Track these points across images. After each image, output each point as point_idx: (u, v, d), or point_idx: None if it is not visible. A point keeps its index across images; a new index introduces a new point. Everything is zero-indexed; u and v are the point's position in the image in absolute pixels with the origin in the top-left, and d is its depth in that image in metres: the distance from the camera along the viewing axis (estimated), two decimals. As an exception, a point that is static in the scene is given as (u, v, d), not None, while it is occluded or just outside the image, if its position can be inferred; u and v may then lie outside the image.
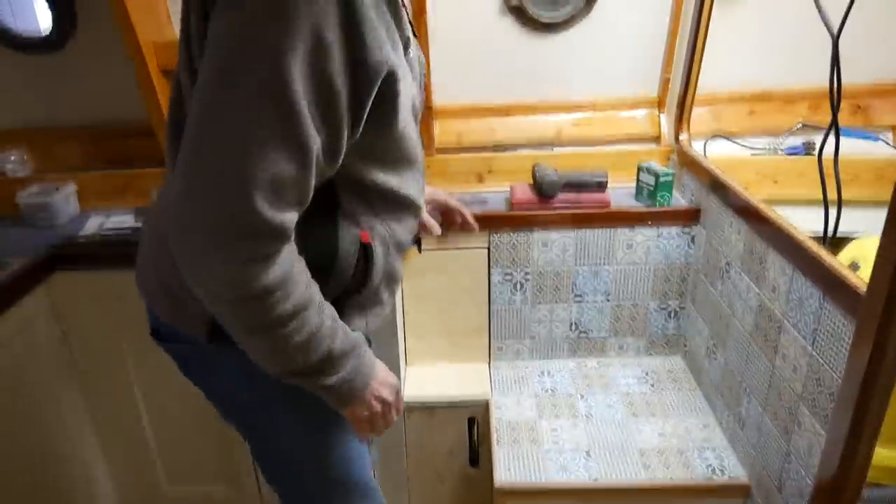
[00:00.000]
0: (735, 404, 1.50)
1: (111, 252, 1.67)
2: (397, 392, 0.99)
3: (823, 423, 1.10)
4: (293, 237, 0.77)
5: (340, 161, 0.80)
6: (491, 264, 1.77)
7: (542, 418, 1.67)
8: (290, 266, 0.77)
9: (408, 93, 0.85)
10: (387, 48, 0.75)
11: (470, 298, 1.83)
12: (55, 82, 1.87)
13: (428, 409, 1.79)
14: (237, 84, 0.68)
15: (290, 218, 0.74)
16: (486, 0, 1.77)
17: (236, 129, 0.68)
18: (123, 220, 1.81)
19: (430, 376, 1.84)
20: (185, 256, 0.73)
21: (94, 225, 1.79)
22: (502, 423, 1.65)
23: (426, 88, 1.46)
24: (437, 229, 1.42)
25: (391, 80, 0.78)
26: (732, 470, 1.47)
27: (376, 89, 0.77)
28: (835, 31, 1.10)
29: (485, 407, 1.76)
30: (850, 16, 1.29)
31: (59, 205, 1.81)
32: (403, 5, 0.84)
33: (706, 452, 1.53)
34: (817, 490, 1.10)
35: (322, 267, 0.88)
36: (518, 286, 1.80)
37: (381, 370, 0.97)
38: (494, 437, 1.61)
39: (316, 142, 0.72)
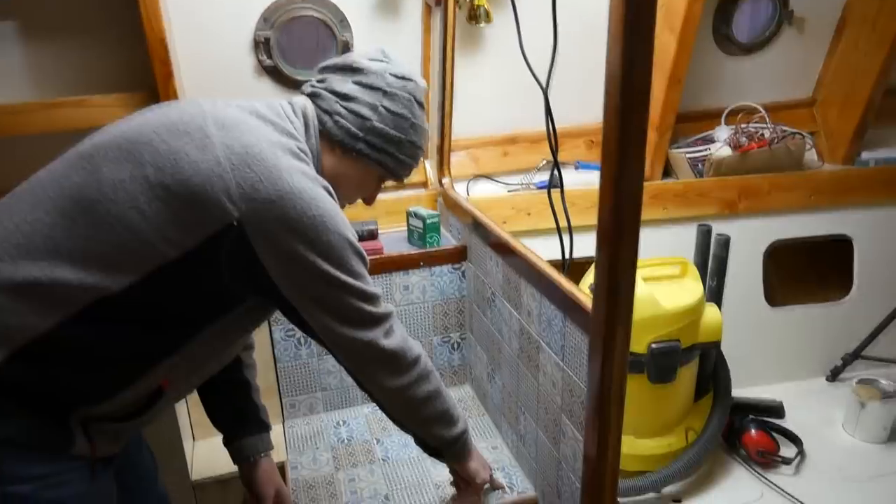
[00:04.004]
0: (515, 423, 1.62)
1: None
2: None
3: (580, 430, 1.23)
4: None
5: None
6: (271, 322, 1.74)
7: (340, 470, 1.66)
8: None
9: None
10: None
11: (254, 360, 1.78)
12: None
13: (221, 483, 1.69)
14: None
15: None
16: (240, 62, 1.77)
17: None
18: None
19: (221, 449, 1.75)
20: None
21: None
22: (299, 484, 1.62)
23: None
24: None
25: None
26: (520, 485, 1.58)
27: None
28: (544, 84, 1.26)
29: (280, 470, 1.71)
30: (580, 63, 1.49)
31: None
32: None
33: (496, 473, 1.62)
34: (584, 492, 1.22)
35: None
36: (302, 341, 1.78)
37: None
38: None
39: None
